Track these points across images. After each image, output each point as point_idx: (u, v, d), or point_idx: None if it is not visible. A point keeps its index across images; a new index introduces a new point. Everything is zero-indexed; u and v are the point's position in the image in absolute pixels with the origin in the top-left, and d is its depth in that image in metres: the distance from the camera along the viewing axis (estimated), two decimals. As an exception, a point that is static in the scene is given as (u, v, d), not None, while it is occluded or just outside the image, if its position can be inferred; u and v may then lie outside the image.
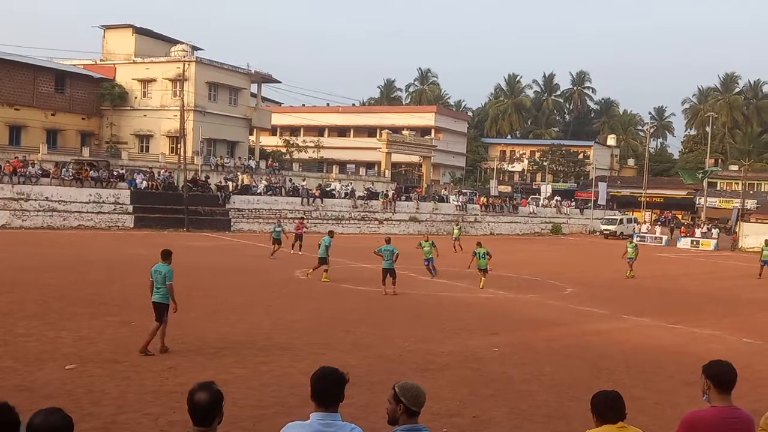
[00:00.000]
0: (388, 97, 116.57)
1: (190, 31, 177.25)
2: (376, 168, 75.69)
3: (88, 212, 41.20)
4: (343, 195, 54.98)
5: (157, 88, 58.50)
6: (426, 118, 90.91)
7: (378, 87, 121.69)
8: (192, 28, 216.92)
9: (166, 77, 57.68)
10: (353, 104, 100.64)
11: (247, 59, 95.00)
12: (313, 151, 78.73)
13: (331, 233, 25.12)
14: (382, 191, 58.45)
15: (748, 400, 9.05)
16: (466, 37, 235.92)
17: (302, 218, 37.69)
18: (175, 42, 61.11)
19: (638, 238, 58.70)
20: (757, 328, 18.03)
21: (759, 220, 60.94)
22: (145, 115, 58.69)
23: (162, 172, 47.48)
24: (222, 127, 58.91)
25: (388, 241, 21.90)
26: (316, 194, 52.13)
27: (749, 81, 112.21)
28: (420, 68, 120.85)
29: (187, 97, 54.21)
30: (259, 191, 49.88)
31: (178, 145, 51.91)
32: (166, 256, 12.59)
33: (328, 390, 4.26)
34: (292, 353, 12.67)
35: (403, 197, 60.14)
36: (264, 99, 69.56)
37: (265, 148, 75.71)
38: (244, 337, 13.75)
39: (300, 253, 31.47)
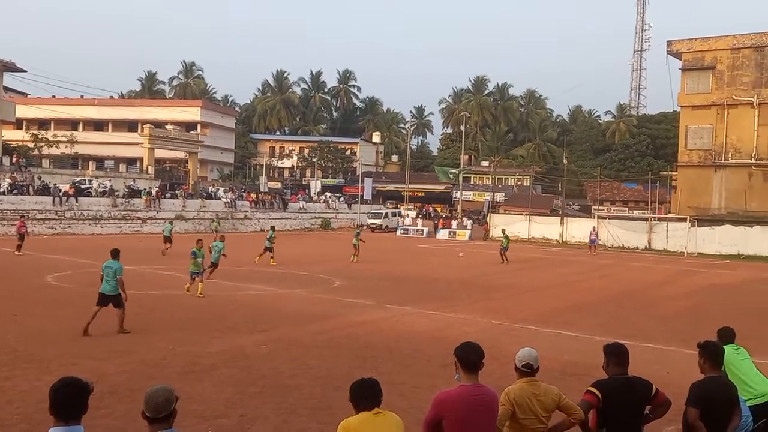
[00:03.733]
0: (150, 90, 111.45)
1: None
2: (138, 164, 72.08)
3: None
4: (101, 193, 51.58)
5: None
6: (191, 112, 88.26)
7: (138, 79, 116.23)
8: None
9: None
10: (111, 97, 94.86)
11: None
12: (66, 147, 73.09)
13: (222, 238, 24.83)
14: (145, 189, 55.72)
15: (496, 377, 9.80)
16: (231, 30, 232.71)
17: (23, 217, 35.25)
18: None
19: (402, 231, 61.93)
20: (505, 310, 19.65)
21: (507, 211, 66.88)
22: None
23: None
24: (-44, 119, 52.63)
25: (221, 239, 24.37)
26: (70, 193, 48.30)
27: (498, 84, 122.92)
28: (184, 61, 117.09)
29: None
30: (2, 190, 45.23)
31: None
32: (116, 254, 15.01)
33: (67, 402, 3.97)
34: (40, 365, 11.61)
35: (169, 194, 57.88)
36: (6, 89, 63.09)
37: (9, 143, 68.83)
38: (-17, 352, 12.36)
39: (18, 253, 29.25)
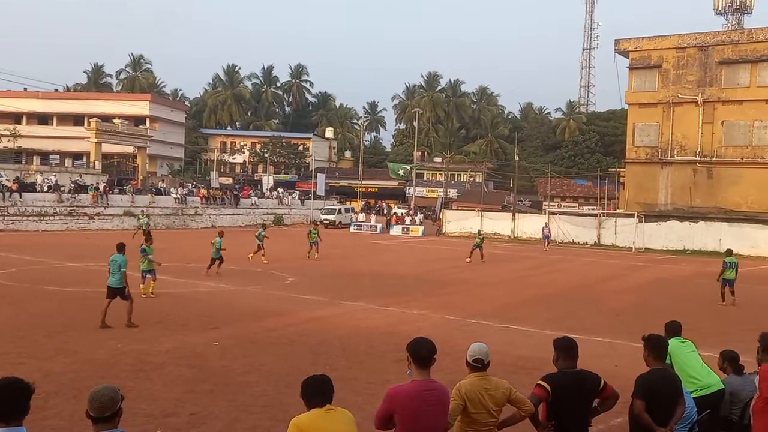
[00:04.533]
0: (96, 83, 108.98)
1: None
2: (84, 159, 70.60)
3: None
4: (46, 188, 50.32)
5: None
6: (140, 106, 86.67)
7: (84, 72, 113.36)
8: None
9: None
10: (56, 89, 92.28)
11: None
12: (9, 141, 71.13)
13: (221, 233, 26.04)
14: (92, 184, 54.56)
15: (448, 371, 9.85)
16: (180, 23, 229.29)
17: None
18: None
19: (356, 227, 61.89)
20: (458, 306, 19.79)
21: (460, 207, 67.31)
22: None
23: None
24: None
25: (220, 234, 25.53)
26: (14, 188, 46.98)
27: (450, 80, 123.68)
28: (132, 54, 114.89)
29: None
30: (-58, 186, 43.83)
31: None
32: (121, 248, 15.50)
33: (7, 402, 3.89)
34: (-17, 365, 11.27)
35: (117, 190, 56.80)
36: (-54, 81, 61.20)
37: (-50, 136, 66.79)
38: None
39: None
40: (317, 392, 4.69)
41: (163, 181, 71.96)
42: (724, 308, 21.06)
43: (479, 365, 5.44)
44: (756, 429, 6.56)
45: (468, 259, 34.20)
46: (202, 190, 65.10)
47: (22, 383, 3.95)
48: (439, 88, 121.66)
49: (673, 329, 7.83)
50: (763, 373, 6.55)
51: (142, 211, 48.81)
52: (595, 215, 54.73)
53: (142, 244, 19.93)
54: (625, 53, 54.87)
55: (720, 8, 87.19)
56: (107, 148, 70.90)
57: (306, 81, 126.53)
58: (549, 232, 47.37)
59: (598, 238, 51.15)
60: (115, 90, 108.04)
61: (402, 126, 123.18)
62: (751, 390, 7.18)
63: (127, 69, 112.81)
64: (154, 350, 12.87)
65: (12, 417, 3.87)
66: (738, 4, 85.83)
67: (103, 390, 4.13)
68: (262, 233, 30.13)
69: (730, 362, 7.73)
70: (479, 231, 39.56)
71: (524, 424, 5.77)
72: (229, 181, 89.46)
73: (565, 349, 5.81)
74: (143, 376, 11.07)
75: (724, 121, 50.37)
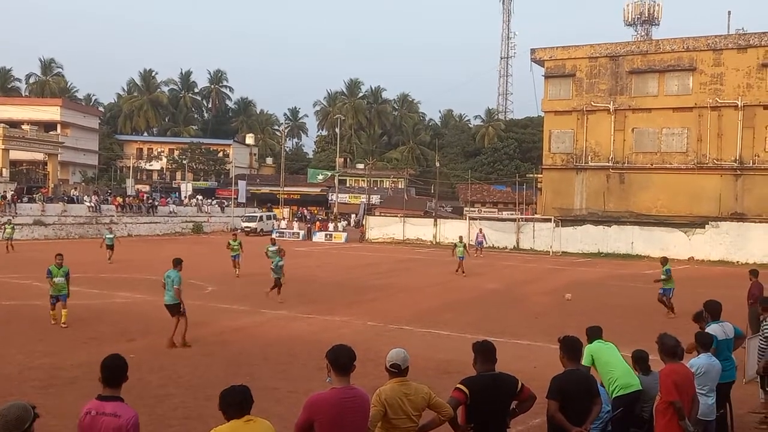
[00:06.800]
0: (3, 87, 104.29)
1: None
2: (-9, 166, 67.39)
3: None
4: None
5: None
6: (50, 111, 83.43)
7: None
8: None
9: None
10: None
11: None
12: None
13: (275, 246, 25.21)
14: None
15: (371, 378, 9.84)
16: (92, 25, 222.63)
17: None
18: None
19: (278, 234, 61.27)
20: (380, 312, 19.84)
21: (382, 213, 67.60)
22: None
23: None
24: None
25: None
26: None
27: (371, 87, 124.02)
28: (41, 58, 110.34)
29: None
30: None
31: None
32: (177, 263, 14.66)
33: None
34: None
35: (26, 198, 54.54)
36: None
37: None
38: None
39: None
40: (235, 403, 4.60)
41: (75, 189, 69.54)
42: (639, 311, 21.82)
43: (396, 371, 5.44)
44: (657, 427, 6.78)
45: (463, 273, 31.34)
46: (118, 198, 63.23)
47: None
48: (360, 94, 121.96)
49: (594, 333, 8.08)
50: (663, 376, 6.78)
51: (9, 220, 45.93)
52: (514, 220, 55.88)
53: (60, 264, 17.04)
54: (540, 62, 56.31)
55: (630, 20, 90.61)
56: (15, 154, 67.99)
57: (226, 87, 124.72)
58: (483, 238, 47.41)
59: (517, 243, 52.25)
60: (23, 95, 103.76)
61: (324, 132, 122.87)
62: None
63: (36, 73, 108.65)
64: (66, 364, 12.41)
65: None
66: (647, 15, 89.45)
67: (12, 408, 3.97)
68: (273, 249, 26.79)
69: (637, 362, 8.01)
70: (461, 238, 34.96)
71: (444, 428, 5.80)
72: (146, 188, 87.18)
73: (483, 352, 5.88)
74: (54, 391, 10.65)
75: (634, 129, 52.29)
